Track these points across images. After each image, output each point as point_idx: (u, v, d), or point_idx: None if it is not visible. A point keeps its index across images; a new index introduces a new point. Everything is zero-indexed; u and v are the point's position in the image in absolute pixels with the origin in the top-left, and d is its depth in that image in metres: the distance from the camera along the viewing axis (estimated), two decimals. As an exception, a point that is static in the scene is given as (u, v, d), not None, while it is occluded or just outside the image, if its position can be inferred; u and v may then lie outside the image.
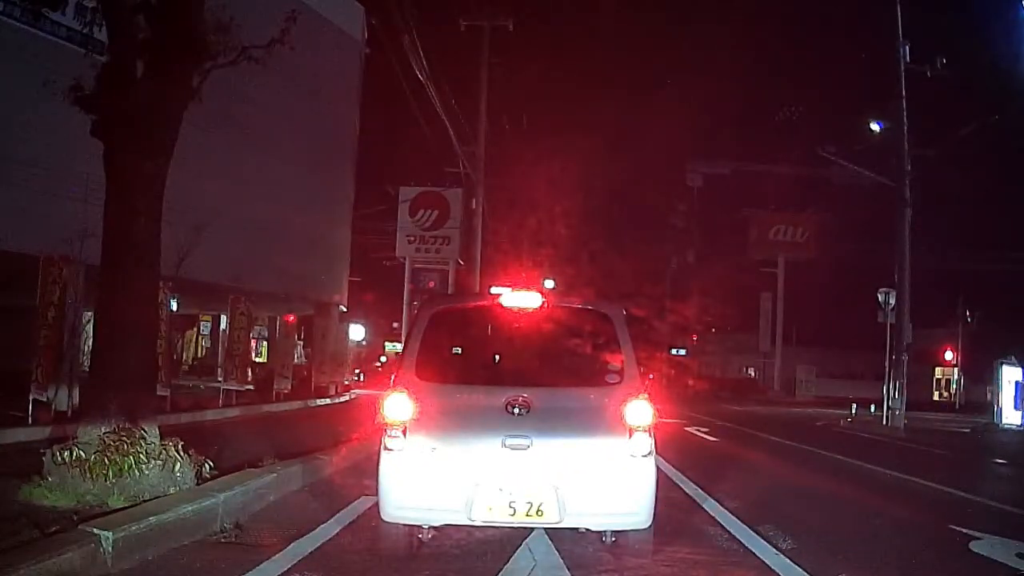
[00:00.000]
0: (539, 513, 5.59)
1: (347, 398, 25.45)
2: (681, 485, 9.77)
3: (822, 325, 56.49)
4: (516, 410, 5.74)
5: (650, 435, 5.83)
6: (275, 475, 8.25)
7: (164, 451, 6.97)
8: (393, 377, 6.17)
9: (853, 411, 27.02)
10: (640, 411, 5.81)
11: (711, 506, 8.49)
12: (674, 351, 64.67)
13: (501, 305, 6.51)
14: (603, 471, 5.70)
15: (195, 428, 14.09)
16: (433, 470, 5.69)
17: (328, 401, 23.27)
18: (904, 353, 23.29)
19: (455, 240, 44.25)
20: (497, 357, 6.72)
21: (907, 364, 23.55)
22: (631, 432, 5.75)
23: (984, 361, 47.33)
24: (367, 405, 23.11)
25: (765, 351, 58.51)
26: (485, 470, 5.63)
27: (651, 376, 61.23)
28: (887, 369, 23.96)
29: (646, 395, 5.95)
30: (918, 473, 12.43)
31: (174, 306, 28.33)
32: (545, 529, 6.32)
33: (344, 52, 26.48)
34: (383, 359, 54.60)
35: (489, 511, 5.57)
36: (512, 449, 5.63)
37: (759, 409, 33.89)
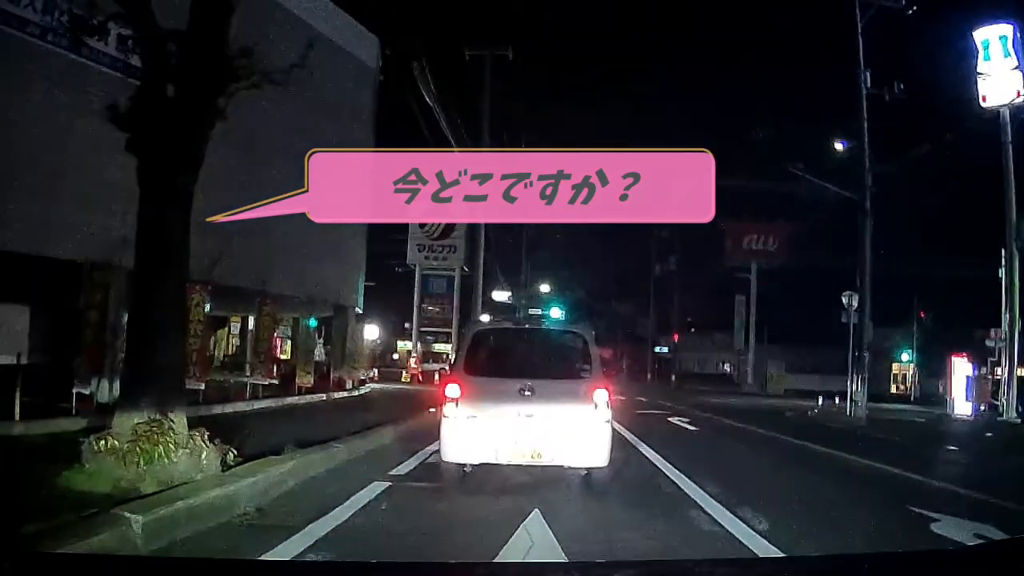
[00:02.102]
0: (539, 456, 7.81)
1: (362, 392, 25.30)
2: (666, 471, 9.63)
3: (790, 324, 56.29)
4: (526, 392, 7.91)
5: (608, 408, 8.03)
6: (295, 462, 8.12)
7: (191, 441, 6.83)
8: (448, 371, 9.01)
9: (819, 403, 26.87)
10: (602, 394, 8.04)
11: (693, 490, 8.34)
12: (658, 349, 64.63)
13: (517, 327, 9.55)
14: (579, 430, 7.85)
15: (225, 419, 14.00)
16: (474, 429, 7.84)
17: (345, 395, 23.10)
18: (866, 350, 23.12)
19: (460, 248, 44.34)
20: (514, 359, 8.70)
21: (868, 360, 23.35)
22: (596, 406, 7.94)
23: (936, 357, 47.26)
24: (379, 399, 23.02)
25: (739, 349, 58.31)
26: (506, 430, 7.80)
27: (623, 369, 61.36)
28: (850, 365, 23.78)
29: (605, 384, 8.20)
30: (878, 459, 12.25)
31: (207, 308, 28.39)
32: (541, 511, 6.59)
33: (360, 79, 26.39)
34: (396, 356, 54.75)
35: (508, 455, 7.80)
36: (523, 416, 7.83)
37: (735, 401, 33.71)
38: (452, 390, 8.02)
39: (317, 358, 30.01)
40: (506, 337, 9.13)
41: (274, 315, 19.39)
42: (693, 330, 66.90)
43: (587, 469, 8.07)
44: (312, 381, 21.07)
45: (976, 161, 28.15)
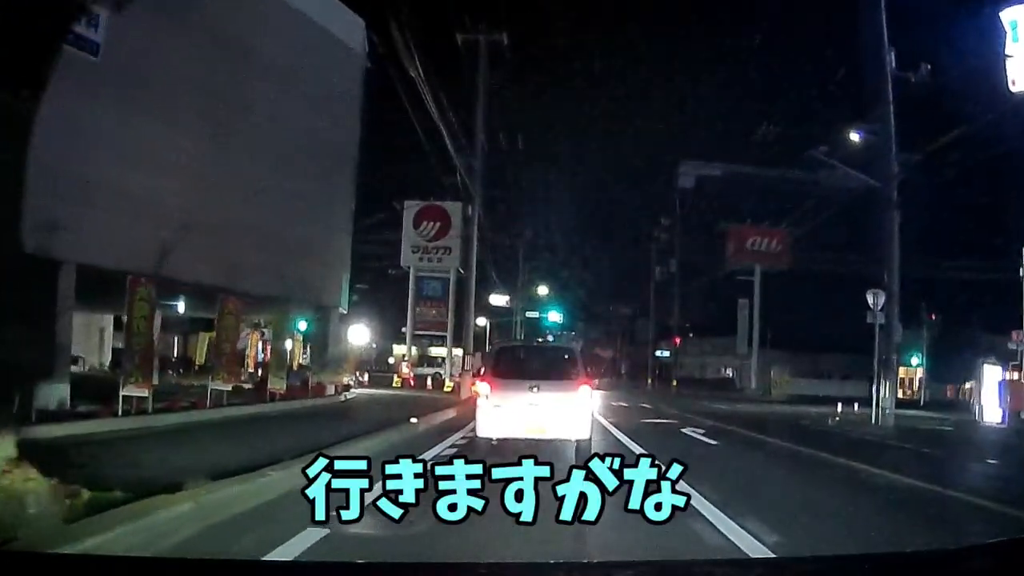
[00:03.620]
0: (543, 431, 10.46)
1: (345, 399, 22.79)
2: (702, 510, 7.21)
3: (791, 329, 53.95)
4: (534, 389, 10.64)
5: (591, 397, 11.18)
6: (196, 502, 5.78)
7: (7, 478, 4.47)
8: (481, 374, 12.71)
9: (839, 410, 24.38)
10: (585, 389, 10.86)
11: (743, 539, 5.99)
12: (659, 353, 62.29)
13: (527, 345, 16.97)
14: (569, 413, 10.54)
15: (156, 433, 11.75)
16: (499, 414, 10.59)
17: (323, 402, 20.58)
18: (894, 353, 20.73)
19: (456, 250, 42.09)
20: (527, 366, 11.43)
21: (895, 364, 20.95)
22: (581, 397, 10.73)
23: (944, 361, 45.04)
24: (360, 406, 20.60)
25: (742, 353, 55.94)
26: (520, 414, 10.53)
27: (622, 374, 59.74)
28: (876, 368, 21.38)
29: (588, 382, 11.14)
30: (945, 483, 9.85)
31: (180, 308, 26.04)
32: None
33: (345, 64, 24.07)
34: (392, 360, 52.85)
35: (522, 431, 10.42)
36: (532, 405, 10.55)
37: (743, 408, 31.21)
38: (484, 388, 10.97)
39: (302, 362, 27.74)
40: (520, 351, 13.04)
41: (238, 314, 17.05)
42: (692, 335, 64.57)
43: (576, 441, 10.56)
44: (285, 387, 18.66)
45: (993, 153, 25.77)
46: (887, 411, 20.37)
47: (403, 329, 49.31)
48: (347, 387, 25.57)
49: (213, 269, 17.27)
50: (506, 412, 10.52)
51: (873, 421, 20.69)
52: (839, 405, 24.74)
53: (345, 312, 25.94)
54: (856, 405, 25.10)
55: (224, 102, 18.08)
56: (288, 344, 28.52)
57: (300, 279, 20.78)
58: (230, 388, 15.95)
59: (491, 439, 10.66)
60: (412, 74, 21.86)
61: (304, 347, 30.35)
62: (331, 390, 22.68)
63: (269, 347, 39.96)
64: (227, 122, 18.18)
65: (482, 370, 13.26)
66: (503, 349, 13.39)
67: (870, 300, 20.80)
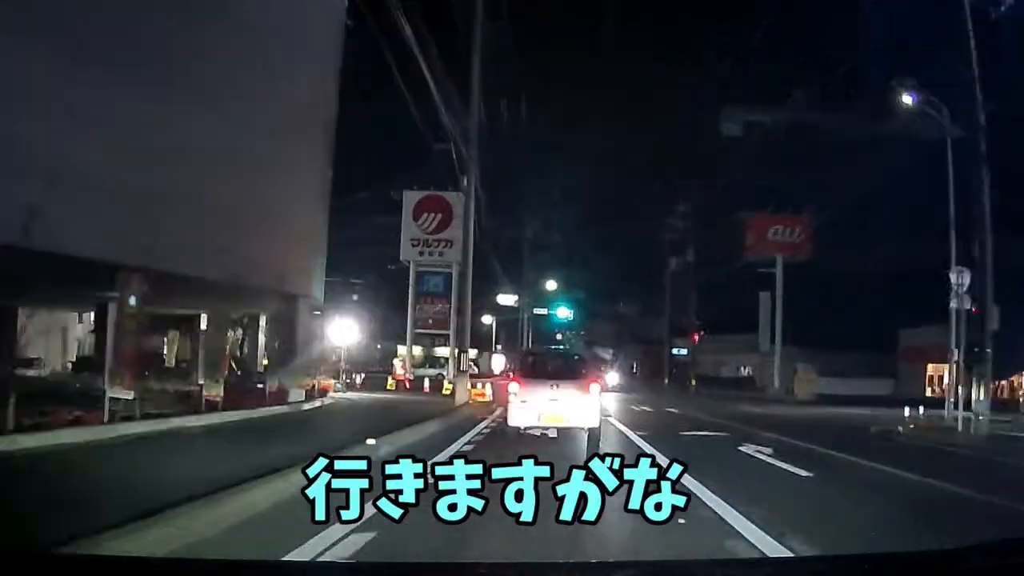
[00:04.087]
0: (561, 421, 12.61)
1: (310, 407, 18.39)
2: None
3: (812, 327, 49.89)
4: (554, 387, 12.60)
5: (600, 393, 13.12)
6: None
7: None
8: (511, 376, 16.01)
9: (907, 413, 20.00)
10: (595, 386, 12.94)
11: None
12: (675, 351, 58.49)
13: (548, 352, 19.53)
14: (583, 406, 12.49)
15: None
16: (525, 408, 12.65)
17: (279, 411, 16.14)
18: (989, 345, 16.34)
19: (458, 243, 38.30)
20: (548, 369, 13.64)
21: (991, 357, 16.53)
22: (592, 393, 12.68)
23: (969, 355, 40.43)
24: (322, 417, 16.38)
25: (764, 350, 51.74)
26: (542, 408, 12.52)
27: (635, 372, 56.36)
28: (957, 364, 17.11)
29: (597, 380, 13.70)
30: None
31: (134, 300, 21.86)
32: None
33: (321, 16, 20.00)
34: (394, 361, 49.28)
35: (544, 421, 12.70)
36: (552, 400, 12.50)
37: (782, 411, 26.90)
38: (514, 387, 13.05)
39: (266, 361, 23.63)
40: (542, 356, 15.48)
41: (146, 300, 12.86)
42: (703, 332, 60.55)
43: (588, 428, 12.51)
44: (221, 392, 14.44)
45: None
46: (981, 418, 16.01)
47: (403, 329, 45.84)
48: (323, 392, 21.49)
49: (121, 242, 13.00)
50: (532, 406, 12.56)
51: (961, 429, 16.32)
52: (907, 409, 20.36)
53: (321, 302, 21.80)
54: (921, 409, 20.83)
55: (194, 60, 13.99)
56: (261, 340, 24.40)
57: (251, 258, 16.51)
58: (131, 396, 11.67)
59: (519, 428, 12.83)
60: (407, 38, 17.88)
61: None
62: (299, 395, 18.49)
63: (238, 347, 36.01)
64: (196, 81, 14.04)
65: (511, 372, 17.35)
66: (530, 353, 17.61)
67: (953, 280, 16.51)
